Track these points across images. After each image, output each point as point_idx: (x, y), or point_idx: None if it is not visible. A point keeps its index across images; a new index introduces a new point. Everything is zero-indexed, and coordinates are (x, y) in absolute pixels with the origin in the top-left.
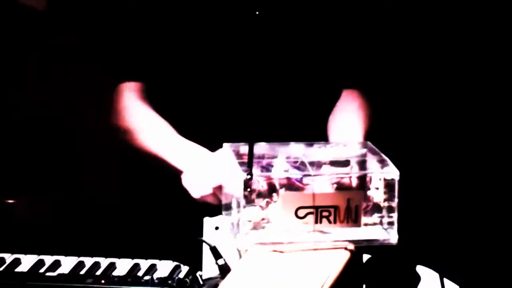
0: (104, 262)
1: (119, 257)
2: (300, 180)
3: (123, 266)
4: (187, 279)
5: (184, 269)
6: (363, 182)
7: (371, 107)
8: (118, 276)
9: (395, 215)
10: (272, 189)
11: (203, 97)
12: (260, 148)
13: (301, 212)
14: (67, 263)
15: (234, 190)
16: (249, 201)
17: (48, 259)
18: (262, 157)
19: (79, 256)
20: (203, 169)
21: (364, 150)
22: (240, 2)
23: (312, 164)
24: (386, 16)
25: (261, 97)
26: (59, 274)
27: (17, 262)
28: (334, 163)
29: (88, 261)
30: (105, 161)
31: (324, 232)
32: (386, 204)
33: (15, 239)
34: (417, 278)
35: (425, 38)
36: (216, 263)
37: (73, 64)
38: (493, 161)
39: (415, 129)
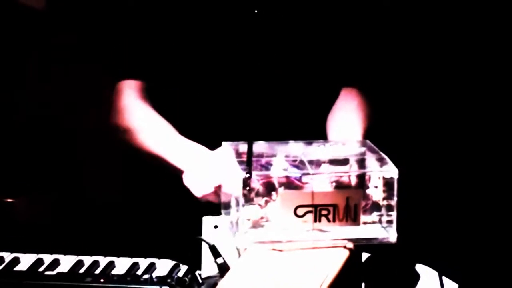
0: (103, 260)
1: (118, 256)
2: (299, 179)
3: (122, 264)
4: (186, 278)
5: (183, 267)
6: (362, 180)
7: (370, 105)
8: (117, 275)
9: (394, 214)
10: (271, 187)
11: (202, 96)
12: (259, 146)
13: (300, 211)
14: (66, 262)
15: (233, 189)
16: (248, 199)
17: (47, 258)
18: (261, 155)
19: (78, 255)
20: (205, 168)
21: (363, 149)
22: (239, 1)
23: (311, 162)
24: (385, 15)
25: (260, 96)
26: (58, 273)
27: (16, 261)
28: (333, 162)
29: (87, 260)
30: (104, 161)
31: (323, 231)
32: (385, 202)
33: (14, 238)
34: (416, 277)
35: (424, 36)
36: (215, 262)
37: (73, 64)
38: (492, 160)
39: (414, 128)
